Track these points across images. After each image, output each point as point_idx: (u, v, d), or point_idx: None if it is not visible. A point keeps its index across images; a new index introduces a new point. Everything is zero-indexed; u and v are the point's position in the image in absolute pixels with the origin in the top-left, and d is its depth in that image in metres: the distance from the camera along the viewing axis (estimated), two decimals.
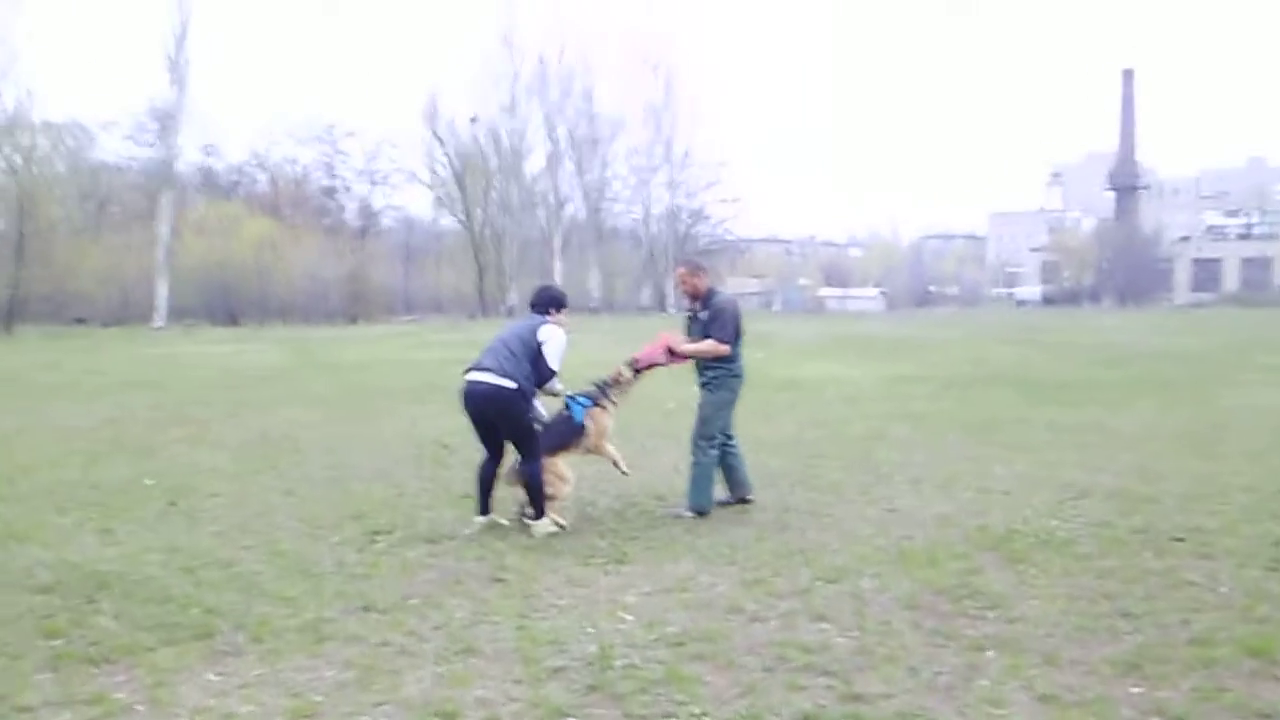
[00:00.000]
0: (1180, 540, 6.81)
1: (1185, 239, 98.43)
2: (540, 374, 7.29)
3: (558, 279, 70.57)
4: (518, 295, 68.33)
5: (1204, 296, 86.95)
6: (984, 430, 12.12)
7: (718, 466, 7.98)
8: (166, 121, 54.92)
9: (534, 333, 7.31)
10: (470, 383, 7.23)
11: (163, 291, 53.11)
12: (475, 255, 71.35)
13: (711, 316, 7.85)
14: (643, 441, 10.97)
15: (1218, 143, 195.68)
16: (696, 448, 7.89)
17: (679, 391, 16.35)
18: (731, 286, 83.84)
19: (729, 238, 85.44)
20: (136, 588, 5.91)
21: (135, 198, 60.87)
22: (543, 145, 72.93)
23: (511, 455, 7.46)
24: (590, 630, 5.14)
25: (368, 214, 76.52)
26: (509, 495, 7.61)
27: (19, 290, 45.79)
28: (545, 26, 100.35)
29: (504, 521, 7.45)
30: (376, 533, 7.28)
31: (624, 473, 7.97)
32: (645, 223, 78.68)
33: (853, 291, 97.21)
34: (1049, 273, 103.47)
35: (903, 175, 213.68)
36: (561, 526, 7.24)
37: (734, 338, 7.84)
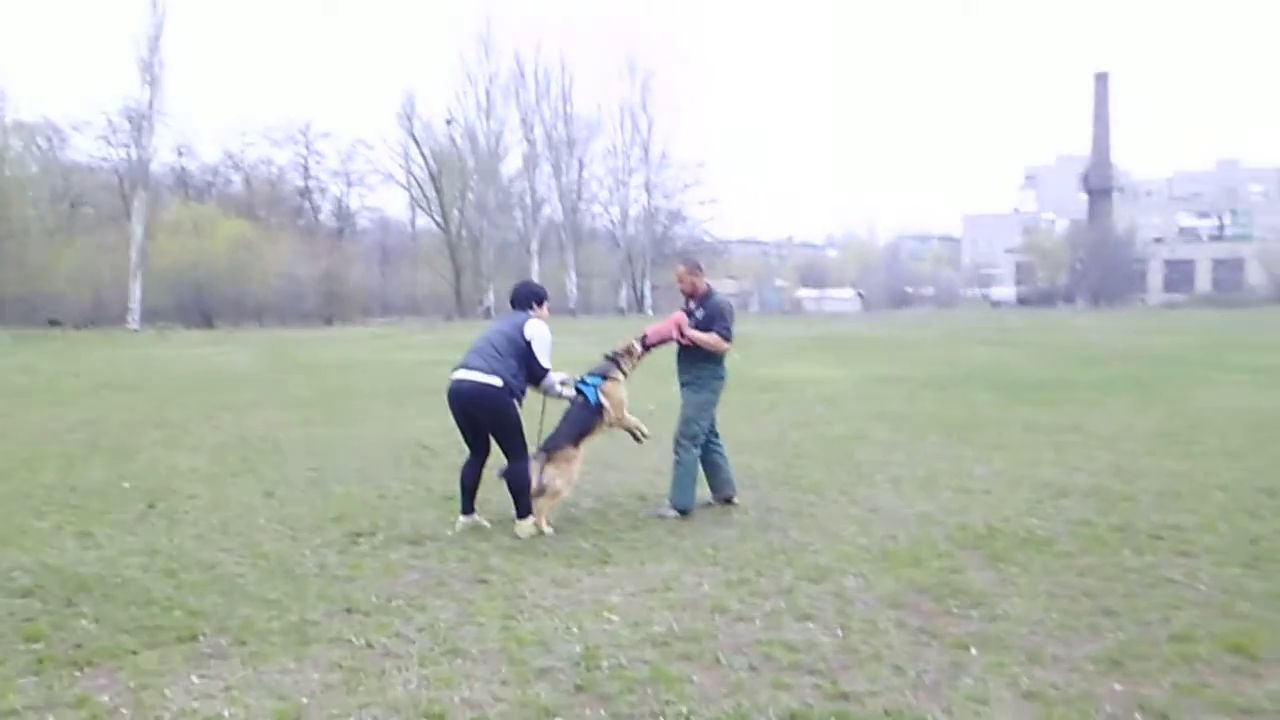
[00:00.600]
0: (1159, 538, 6.88)
1: (1158, 240, 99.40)
2: (533, 373, 7.28)
3: (535, 280, 70.51)
4: (494, 296, 68.22)
5: (1177, 297, 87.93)
6: (963, 430, 12.19)
7: (700, 466, 8.00)
8: (140, 122, 54.44)
9: (519, 330, 7.28)
10: (456, 381, 7.21)
11: (137, 293, 52.67)
12: (452, 256, 71.21)
13: (712, 315, 7.87)
14: (625, 442, 10.92)
15: (1190, 145, 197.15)
16: (679, 447, 7.90)
17: (660, 393, 16.39)
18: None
19: (707, 239, 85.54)
20: (117, 590, 5.87)
21: (109, 198, 60.45)
22: (519, 146, 72.87)
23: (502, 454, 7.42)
24: (575, 631, 5.14)
25: (344, 215, 76.35)
26: (494, 496, 7.60)
27: None
28: (522, 27, 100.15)
29: (486, 523, 7.43)
30: (358, 534, 7.25)
31: (644, 436, 8.03)
32: (623, 224, 78.68)
33: (830, 292, 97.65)
34: (1023, 274, 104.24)
35: (878, 176, 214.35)
36: (543, 531, 7.21)
37: (731, 336, 7.91)
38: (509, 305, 7.70)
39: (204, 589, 5.92)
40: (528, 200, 73.39)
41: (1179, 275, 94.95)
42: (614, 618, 5.36)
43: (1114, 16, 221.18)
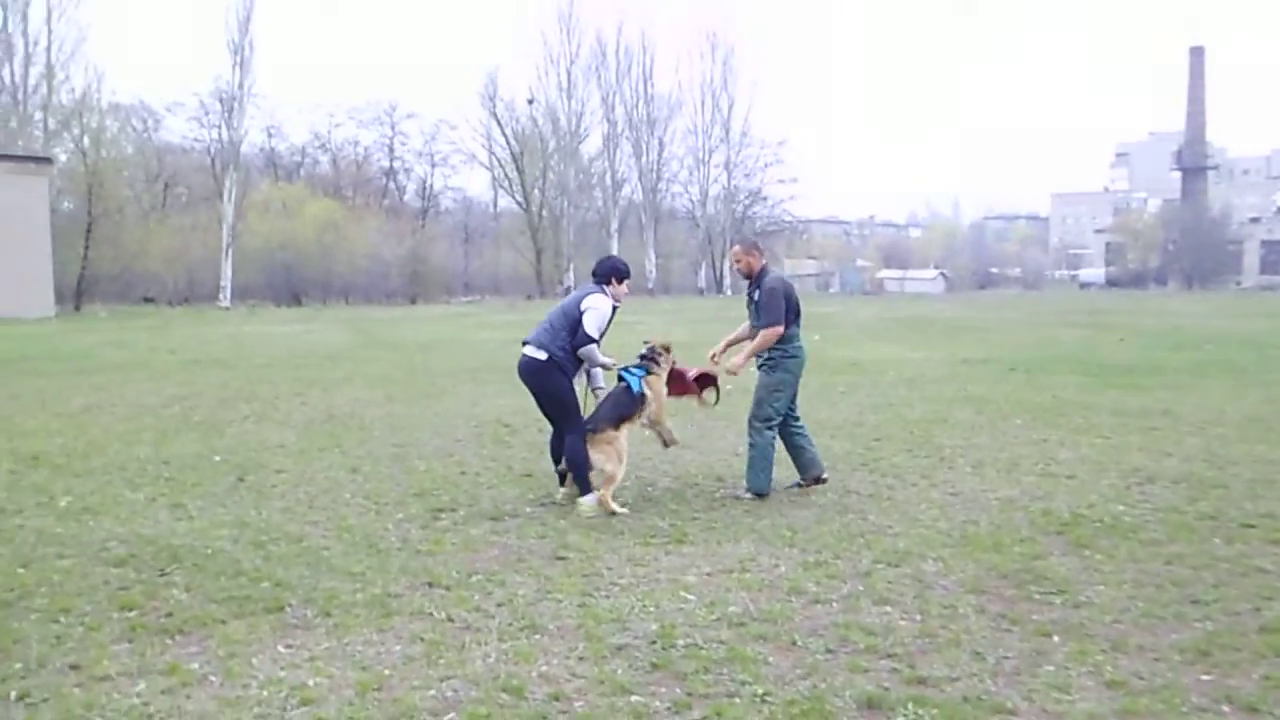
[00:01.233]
0: (1251, 526, 6.69)
1: (1255, 220, 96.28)
2: (576, 341, 7.36)
3: None
4: (574, 276, 68.56)
5: (1275, 279, 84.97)
6: (1048, 414, 11.96)
7: (778, 448, 7.96)
8: (231, 103, 55.74)
9: (578, 303, 7.47)
10: (521, 356, 7.48)
11: (228, 271, 54.01)
12: (533, 236, 71.71)
13: (762, 299, 7.83)
14: (701, 423, 10.94)
15: None
16: (752, 429, 7.87)
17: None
18: (789, 268, 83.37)
19: (787, 219, 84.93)
20: (208, 561, 6.05)
21: (201, 179, 61.97)
22: (600, 126, 73.00)
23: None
24: (652, 609, 5.17)
25: (428, 195, 77.26)
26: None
27: (88, 270, 46.88)
28: (603, 6, 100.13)
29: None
30: (440, 510, 7.38)
31: (674, 442, 8.07)
32: (702, 204, 78.42)
33: (912, 273, 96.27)
34: (1113, 255, 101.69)
35: (965, 155, 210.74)
36: (614, 511, 7.22)
37: (786, 318, 7.77)
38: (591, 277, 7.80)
39: (291, 561, 6.07)
40: (608, 180, 73.59)
41: (1277, 256, 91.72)
42: (690, 597, 5.38)
43: None
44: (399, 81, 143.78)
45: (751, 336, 7.96)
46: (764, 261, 8.07)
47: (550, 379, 7.39)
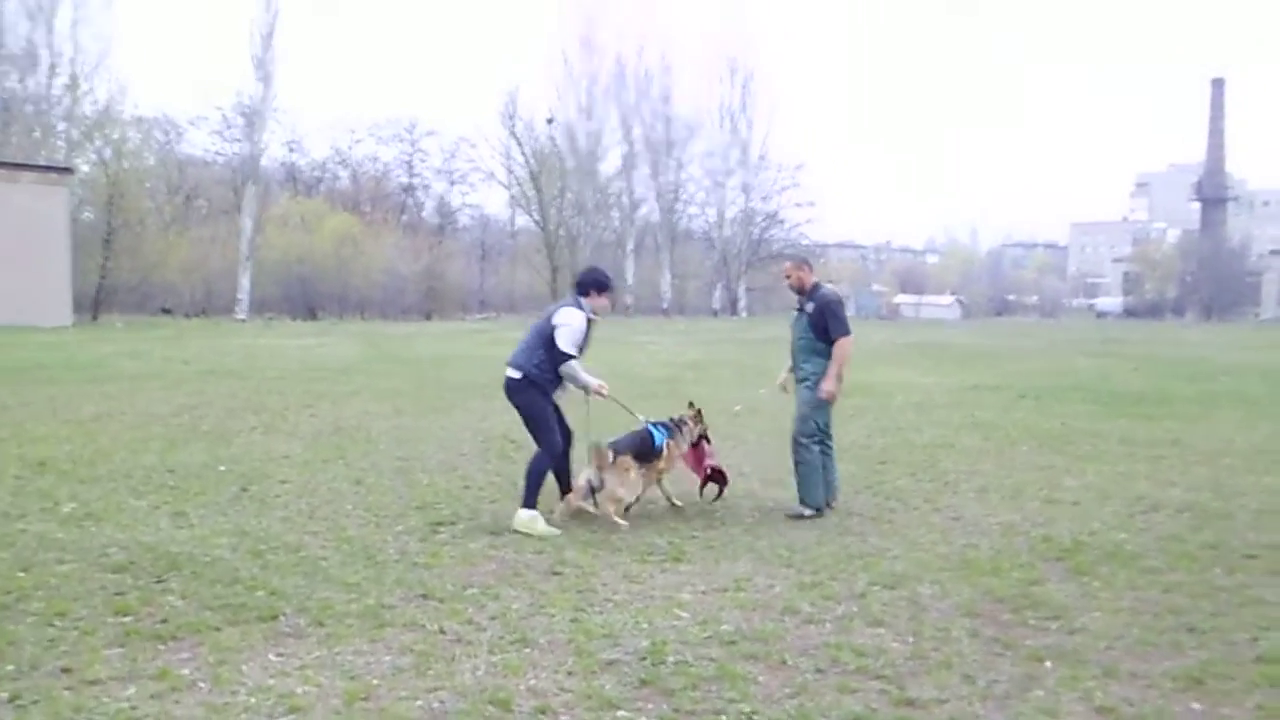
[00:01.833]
0: (1253, 557, 6.64)
1: (1275, 252, 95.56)
2: (555, 358, 7.38)
3: (630, 280, 70.90)
4: None
5: None
6: (1056, 441, 11.91)
7: (821, 462, 7.96)
8: (253, 118, 56.08)
9: (550, 319, 7.46)
10: (506, 377, 7.56)
11: (245, 284, 54.24)
12: (549, 255, 71.81)
13: (824, 313, 7.89)
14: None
15: None
16: (799, 446, 7.90)
17: (746, 394, 16.34)
18: None
19: (804, 242, 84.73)
20: (205, 569, 6.07)
21: (221, 192, 62.31)
22: (618, 147, 73.17)
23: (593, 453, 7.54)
24: (644, 626, 5.17)
25: (445, 212, 77.45)
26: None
27: (106, 279, 47.18)
28: (624, 28, 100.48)
29: (591, 509, 7.57)
30: (440, 523, 7.39)
31: (675, 504, 8.05)
32: (719, 225, 78.45)
33: (928, 299, 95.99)
34: (1131, 284, 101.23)
35: (983, 182, 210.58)
36: (618, 524, 7.30)
37: (849, 328, 7.91)
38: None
39: (288, 570, 6.09)
40: (625, 200, 73.70)
41: None
42: (684, 614, 5.37)
43: (1232, 21, 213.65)
44: (420, 99, 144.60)
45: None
46: (815, 277, 8.19)
47: (525, 396, 7.45)
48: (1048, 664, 4.71)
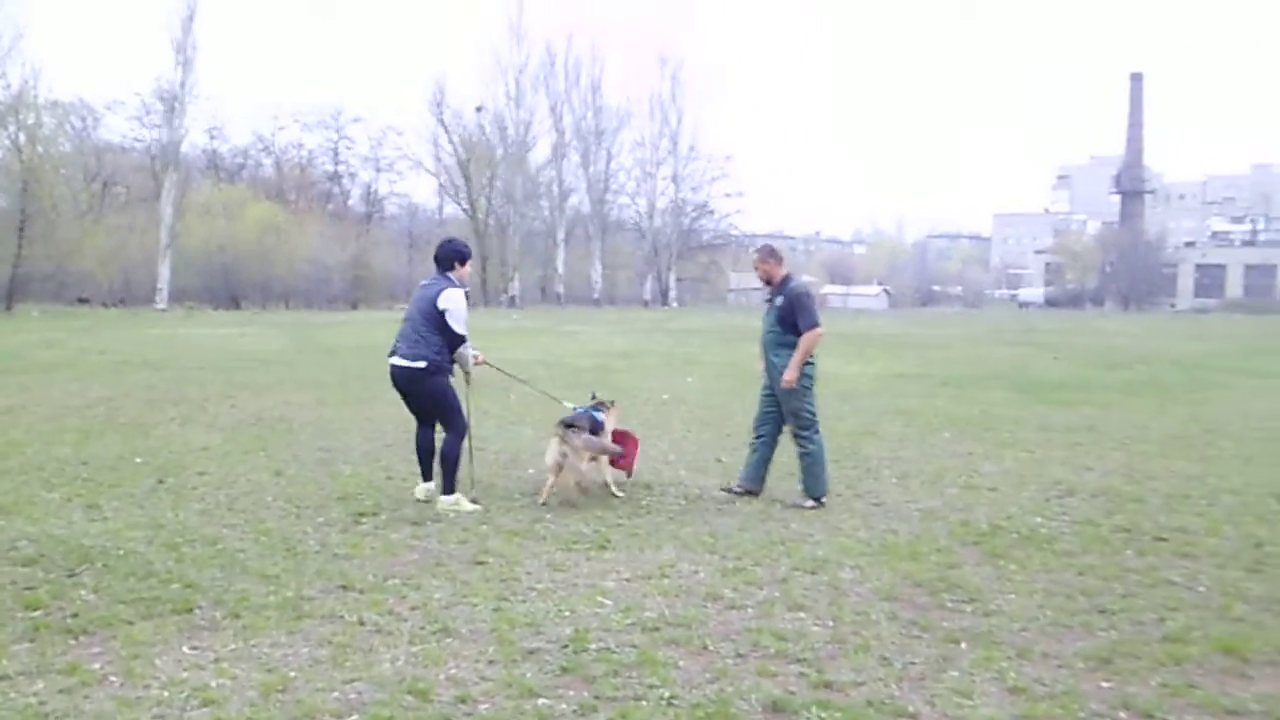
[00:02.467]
0: (1163, 540, 6.83)
1: (1190, 244, 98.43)
2: (450, 341, 7.48)
3: (560, 269, 70.76)
4: (520, 285, 68.38)
5: (1207, 302, 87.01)
6: (976, 428, 12.13)
7: (823, 449, 8.00)
8: (172, 103, 54.90)
9: (433, 304, 7.47)
10: (391, 367, 7.65)
11: (165, 273, 53.14)
12: (478, 244, 71.36)
13: (793, 305, 7.89)
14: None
15: (1224, 149, 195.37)
16: (800, 439, 7.91)
17: (674, 384, 16.40)
18: (734, 282, 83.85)
19: (733, 233, 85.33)
20: (119, 562, 5.94)
21: (140, 179, 60.96)
22: (548, 136, 72.96)
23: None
24: (567, 614, 5.16)
25: (372, 200, 76.63)
26: (499, 480, 7.62)
27: (20, 268, 45.84)
28: (553, 16, 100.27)
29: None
30: (362, 514, 7.31)
31: (616, 493, 8.08)
32: (649, 216, 78.65)
33: (856, 289, 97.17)
34: (1053, 275, 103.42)
35: (908, 173, 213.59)
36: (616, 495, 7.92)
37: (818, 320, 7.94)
38: (435, 263, 7.87)
39: (204, 563, 5.98)
40: (555, 190, 73.52)
41: (1210, 280, 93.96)
42: (607, 602, 5.38)
43: (1150, 16, 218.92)
44: (346, 86, 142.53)
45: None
46: (785, 269, 8.16)
47: (432, 383, 7.53)
48: (963, 645, 4.79)
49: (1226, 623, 5.15)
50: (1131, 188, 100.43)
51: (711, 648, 4.72)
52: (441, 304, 7.43)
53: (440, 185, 75.54)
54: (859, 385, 17.34)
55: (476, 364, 7.85)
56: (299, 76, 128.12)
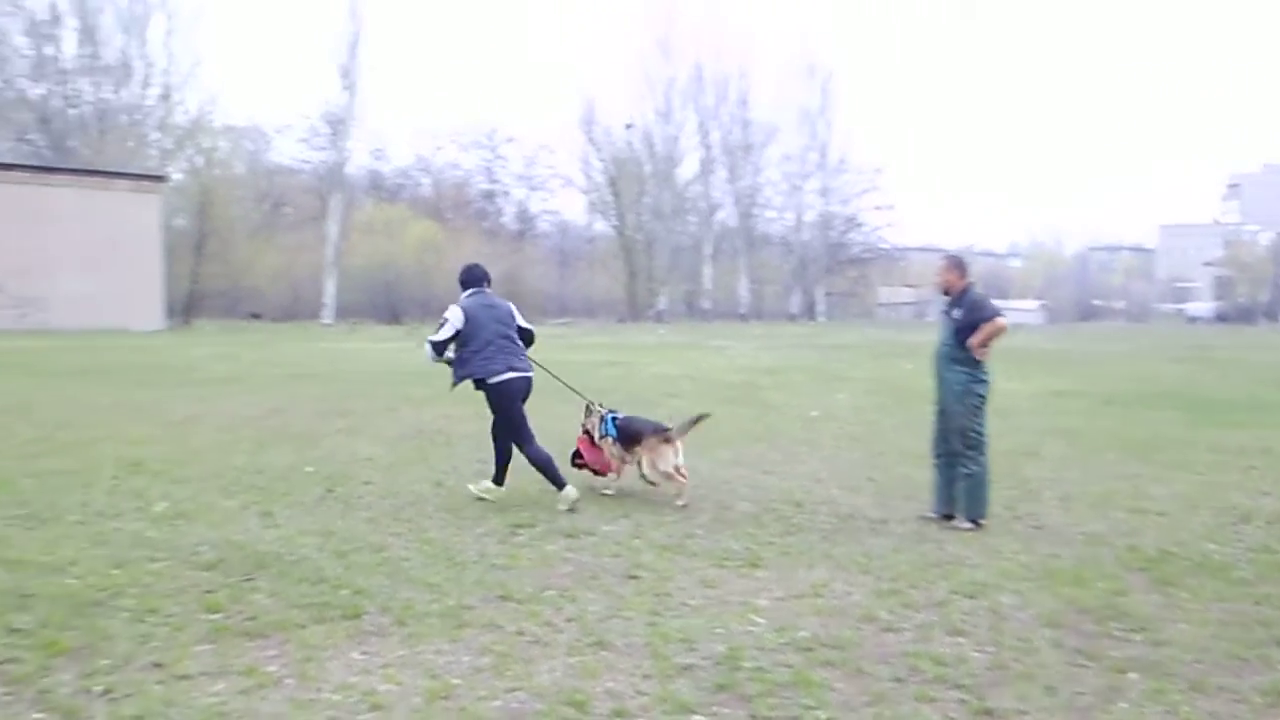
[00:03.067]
0: None
1: None
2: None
3: (707, 284, 70.85)
4: (667, 300, 68.74)
5: None
6: (1143, 449, 11.64)
7: (939, 473, 7.86)
8: (338, 126, 57.27)
9: (513, 316, 8.67)
10: (513, 380, 8.45)
11: (331, 289, 55.33)
12: (626, 260, 72.14)
13: (970, 310, 7.62)
14: (785, 448, 10.92)
15: None
16: (965, 459, 7.65)
17: (823, 400, 16.24)
18: (884, 296, 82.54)
19: (883, 246, 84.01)
20: (292, 568, 6.23)
21: (307, 199, 63.65)
22: (696, 151, 73.24)
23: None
24: (720, 631, 5.19)
25: (525, 218, 78.19)
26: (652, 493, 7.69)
27: (197, 285, 48.49)
28: (701, 32, 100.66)
29: (609, 491, 8.63)
30: (518, 526, 7.48)
31: (605, 489, 8.82)
32: (797, 229, 78.09)
33: (1012, 303, 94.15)
34: (1223, 288, 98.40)
35: (1068, 184, 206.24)
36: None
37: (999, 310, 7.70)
38: (464, 284, 8.85)
39: (371, 570, 6.22)
40: (702, 204, 73.72)
41: None
42: (760, 620, 5.37)
43: None
44: (500, 106, 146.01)
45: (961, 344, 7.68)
46: (968, 280, 7.86)
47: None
48: (1132, 676, 4.62)
49: None
50: None
51: (868, 670, 4.67)
52: (520, 320, 8.62)
53: (590, 202, 76.70)
54: (1017, 403, 16.82)
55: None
56: (455, 97, 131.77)
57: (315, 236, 58.05)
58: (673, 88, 71.16)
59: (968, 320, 7.60)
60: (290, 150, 65.44)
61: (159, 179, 44.96)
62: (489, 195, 77.14)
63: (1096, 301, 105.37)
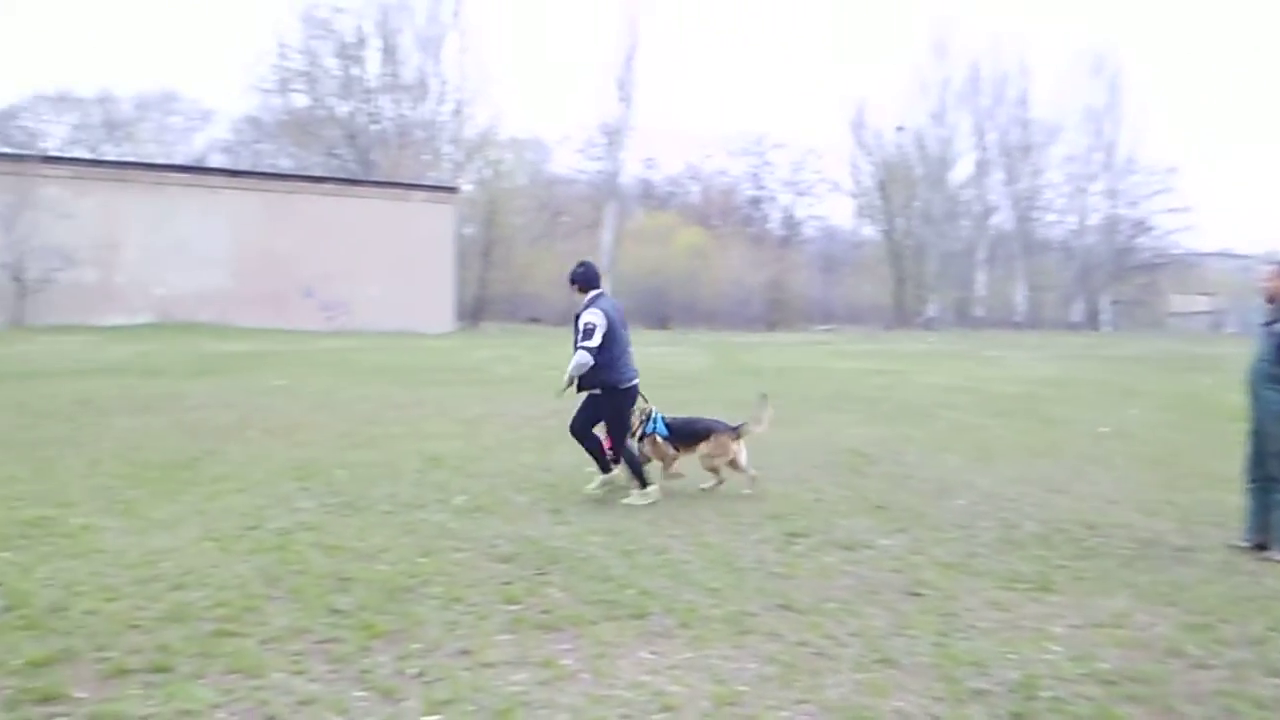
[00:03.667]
0: None
1: None
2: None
3: (981, 291, 68.38)
4: (936, 307, 66.84)
5: None
6: None
7: (1253, 498, 7.27)
8: (613, 137, 59.18)
9: (624, 319, 8.83)
10: (636, 385, 8.97)
11: None
12: (894, 265, 70.65)
13: None
14: (1075, 466, 10.39)
15: None
16: (1275, 485, 7.10)
17: (1113, 416, 15.32)
18: (1178, 305, 76.92)
19: (1176, 251, 78.29)
20: (581, 564, 6.49)
21: (583, 208, 66.09)
22: (971, 153, 70.85)
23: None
24: (1013, 656, 5.01)
25: (790, 223, 78.02)
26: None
27: (485, 290, 51.36)
28: (978, 31, 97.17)
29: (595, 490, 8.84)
30: (794, 535, 7.48)
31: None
32: (1079, 233, 74.02)
33: None
34: None
35: None
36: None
37: None
38: (580, 287, 8.94)
39: (654, 571, 6.39)
40: (976, 208, 71.20)
41: None
42: (1055, 648, 5.15)
43: None
44: (769, 112, 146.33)
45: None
46: None
47: None
48: None
49: None
50: None
51: (1178, 709, 4.40)
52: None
53: (858, 207, 75.62)
54: None
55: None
56: (725, 106, 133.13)
57: (590, 244, 60.14)
58: (947, 89, 69.23)
59: None
60: (568, 161, 68.27)
61: (452, 190, 47.86)
62: (755, 201, 77.46)
63: None
